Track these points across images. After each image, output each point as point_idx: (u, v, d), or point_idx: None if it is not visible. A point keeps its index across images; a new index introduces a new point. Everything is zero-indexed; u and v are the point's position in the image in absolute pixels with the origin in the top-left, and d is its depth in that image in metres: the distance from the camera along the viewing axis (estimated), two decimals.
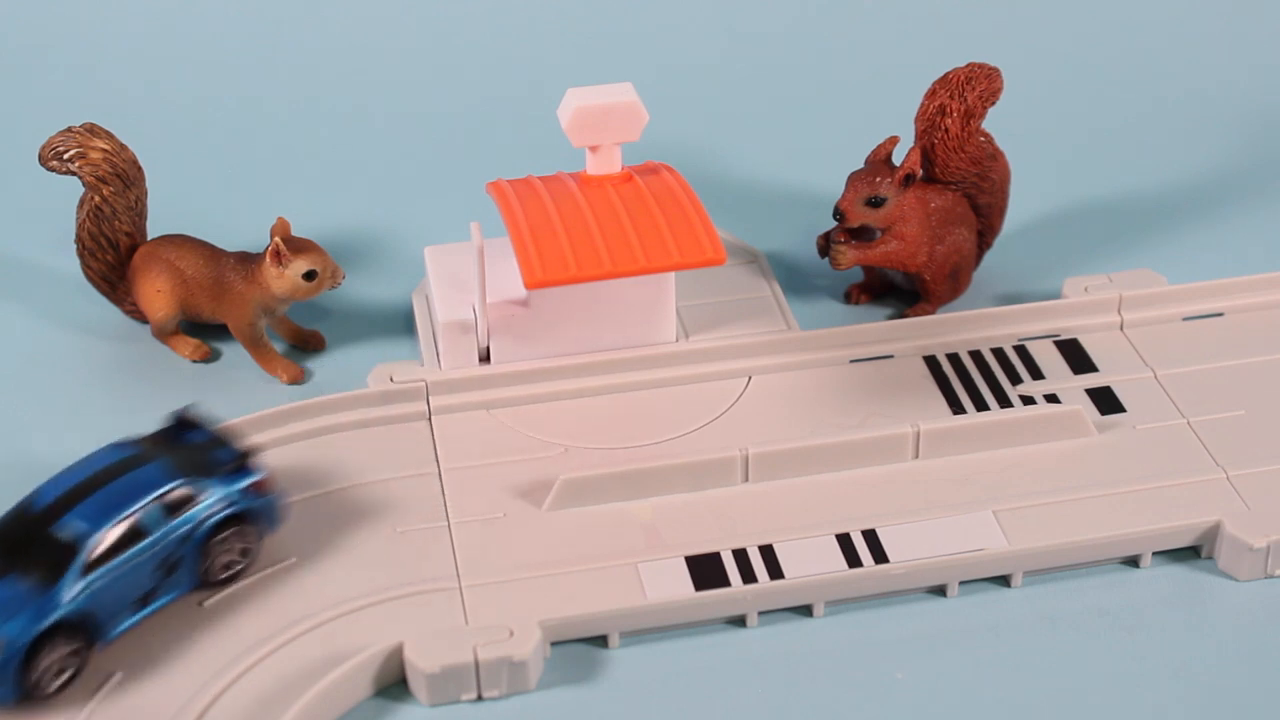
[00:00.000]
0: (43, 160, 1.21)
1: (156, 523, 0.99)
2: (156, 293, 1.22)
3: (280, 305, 1.20)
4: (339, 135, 1.52)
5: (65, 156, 1.20)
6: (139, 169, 1.23)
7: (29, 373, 1.23)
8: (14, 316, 1.29)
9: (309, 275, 1.19)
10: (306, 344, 1.25)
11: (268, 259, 1.18)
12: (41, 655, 0.94)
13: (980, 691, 0.99)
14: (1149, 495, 1.08)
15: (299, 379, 1.22)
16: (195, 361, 1.24)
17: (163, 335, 1.24)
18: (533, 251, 1.11)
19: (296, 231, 1.26)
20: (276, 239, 1.18)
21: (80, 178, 1.21)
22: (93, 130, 1.22)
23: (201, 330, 1.26)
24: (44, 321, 1.28)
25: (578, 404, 1.17)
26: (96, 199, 1.21)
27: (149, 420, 1.18)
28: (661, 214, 1.14)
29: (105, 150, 1.21)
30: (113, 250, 1.24)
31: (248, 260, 1.20)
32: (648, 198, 1.15)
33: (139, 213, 1.25)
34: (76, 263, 1.25)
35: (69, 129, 1.21)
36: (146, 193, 1.25)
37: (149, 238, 1.26)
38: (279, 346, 1.25)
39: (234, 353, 1.25)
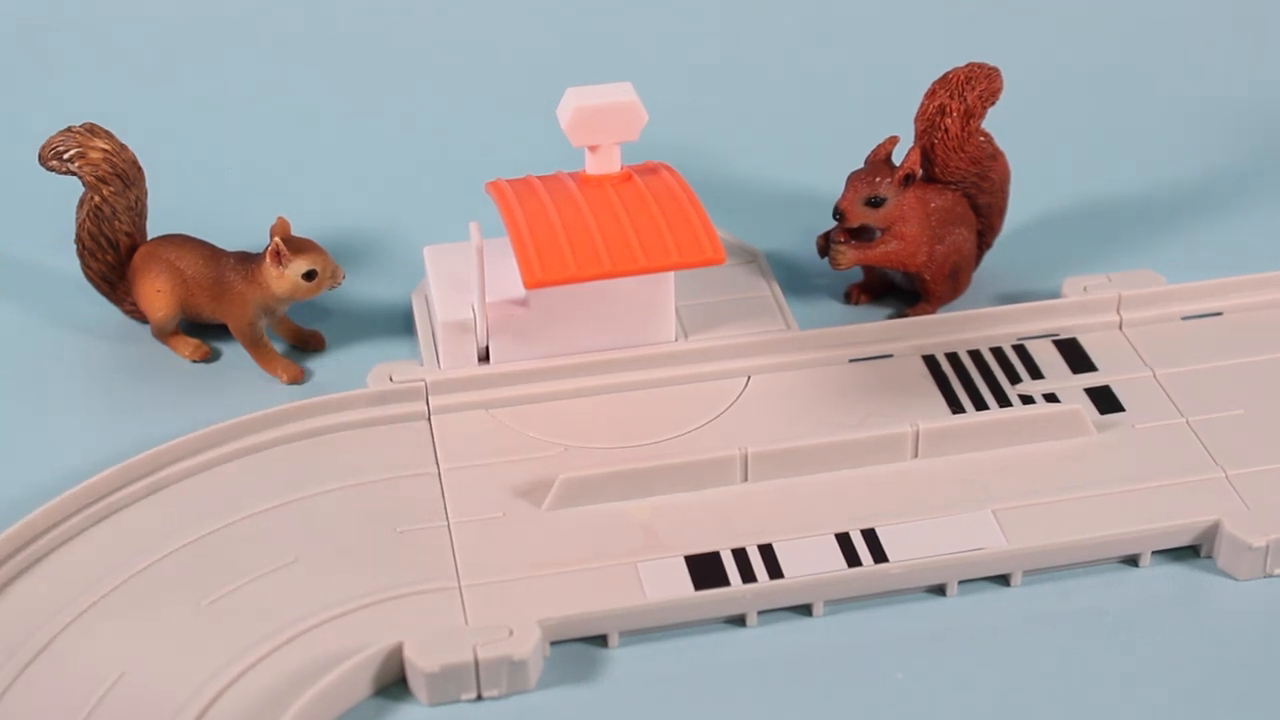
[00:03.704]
0: (43, 160, 1.21)
1: None
2: (156, 293, 1.22)
3: (280, 305, 1.20)
4: (339, 135, 1.52)
5: (65, 156, 1.20)
6: (139, 169, 1.24)
7: (28, 373, 1.23)
8: (14, 316, 1.29)
9: (309, 275, 1.19)
10: (306, 344, 1.25)
11: (268, 259, 1.18)
12: None
13: (980, 691, 0.99)
14: (1148, 494, 1.08)
15: (299, 379, 1.22)
16: (195, 361, 1.24)
17: (163, 335, 1.24)
18: (532, 251, 1.11)
19: (296, 231, 1.26)
20: (276, 239, 1.18)
21: (80, 178, 1.21)
22: (93, 130, 1.22)
23: (201, 330, 1.26)
24: (44, 321, 1.28)
25: (577, 404, 1.17)
26: (96, 199, 1.21)
27: (149, 420, 1.18)
28: (661, 214, 1.13)
29: (105, 150, 1.21)
30: (113, 250, 1.24)
31: (248, 260, 1.20)
32: (647, 198, 1.15)
33: (139, 213, 1.25)
34: (76, 263, 1.25)
35: (69, 129, 1.21)
36: (146, 193, 1.25)
37: (149, 238, 1.26)
38: (279, 346, 1.25)
39: (234, 353, 1.25)
